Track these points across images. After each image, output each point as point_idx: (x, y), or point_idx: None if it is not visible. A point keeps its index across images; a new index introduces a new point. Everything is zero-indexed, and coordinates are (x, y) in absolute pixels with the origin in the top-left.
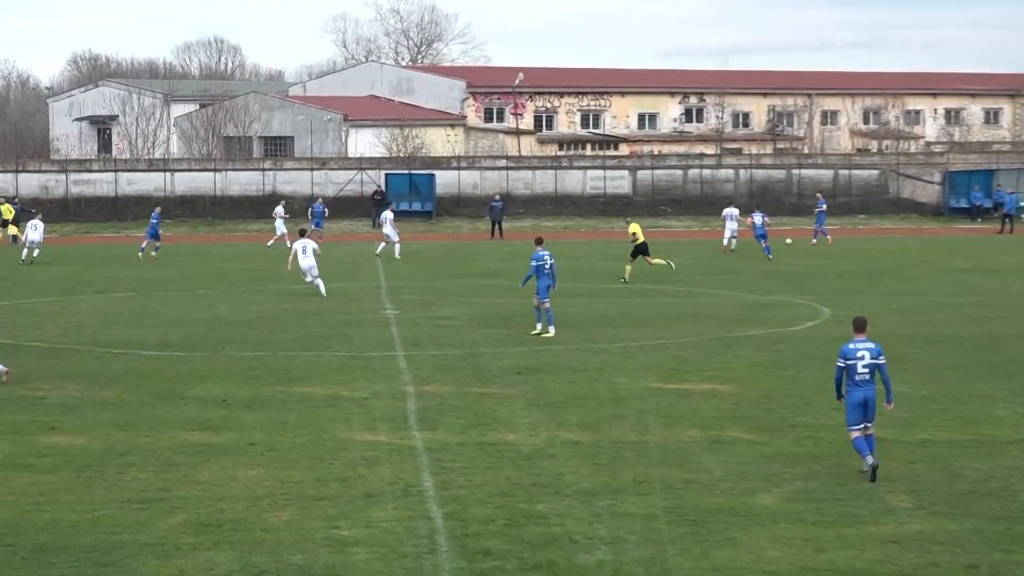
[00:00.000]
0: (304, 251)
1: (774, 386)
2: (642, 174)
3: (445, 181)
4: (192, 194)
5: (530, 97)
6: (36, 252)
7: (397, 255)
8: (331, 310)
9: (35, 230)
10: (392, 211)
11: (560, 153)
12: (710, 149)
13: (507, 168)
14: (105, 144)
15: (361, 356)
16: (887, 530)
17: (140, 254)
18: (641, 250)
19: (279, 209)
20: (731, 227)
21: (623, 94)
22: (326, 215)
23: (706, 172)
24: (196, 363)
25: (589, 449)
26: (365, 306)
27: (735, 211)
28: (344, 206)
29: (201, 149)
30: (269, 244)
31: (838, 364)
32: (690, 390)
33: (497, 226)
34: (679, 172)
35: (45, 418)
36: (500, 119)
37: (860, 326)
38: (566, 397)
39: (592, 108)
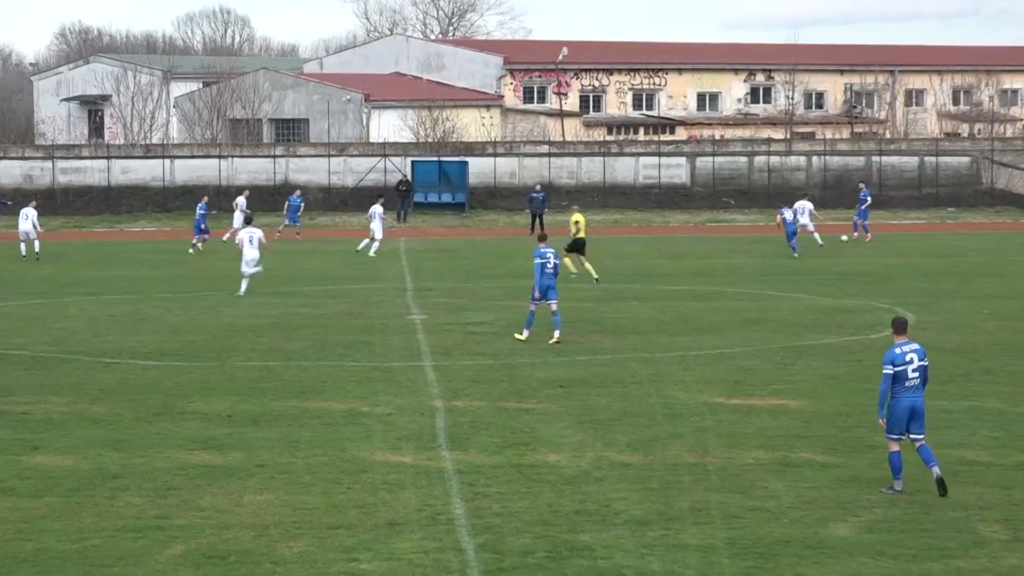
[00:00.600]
0: (251, 241)
1: (851, 402)
2: (702, 162)
3: (479, 169)
4: (194, 183)
5: (575, 75)
6: (36, 246)
7: (372, 253)
8: (351, 315)
9: (26, 219)
10: (382, 205)
11: (609, 138)
12: (779, 134)
13: (549, 155)
14: (96, 128)
15: (384, 367)
16: (979, 565)
17: (191, 250)
18: (578, 247)
19: (240, 200)
20: (803, 223)
21: (680, 71)
22: (301, 210)
23: (774, 159)
24: (198, 374)
25: (641, 472)
26: (388, 311)
27: (809, 205)
28: (365, 197)
29: (204, 133)
30: (225, 238)
31: (885, 373)
32: (755, 406)
33: (538, 220)
34: (743, 159)
35: (28, 436)
36: (542, 99)
37: (901, 327)
38: (615, 413)
39: (645, 87)
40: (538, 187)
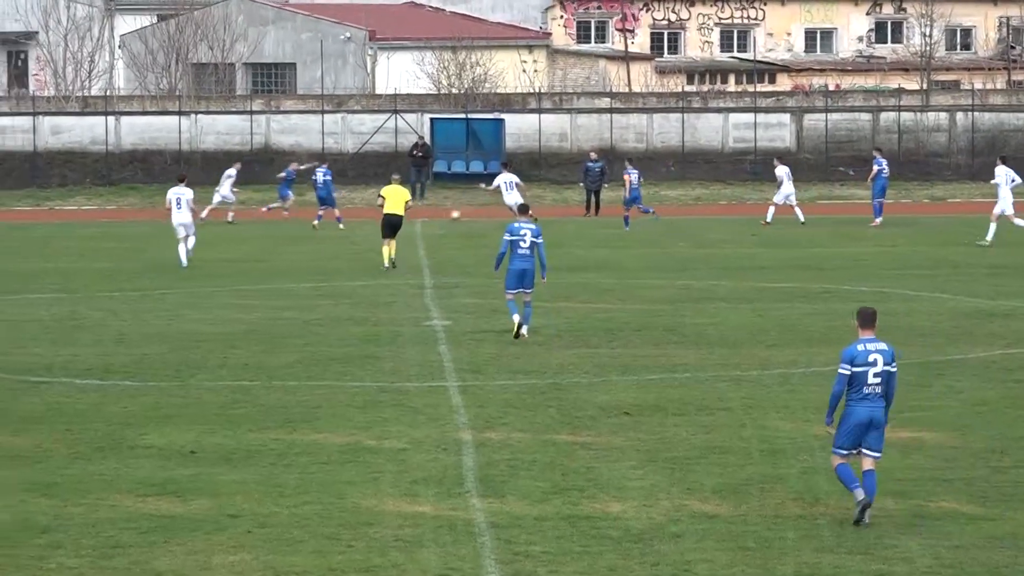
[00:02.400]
0: (178, 204)
1: (1007, 435)
2: (811, 119)
3: (519, 129)
4: (147, 148)
5: (645, 6)
6: None
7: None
8: (351, 320)
9: None
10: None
11: (690, 88)
12: (912, 83)
13: (611, 110)
14: (18, 75)
15: (395, 388)
16: None
17: (315, 222)
18: (394, 226)
19: (231, 171)
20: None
21: (783, 1)
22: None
23: (906, 117)
24: (152, 397)
25: (731, 526)
26: (401, 314)
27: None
28: (370, 166)
29: (160, 83)
30: (231, 218)
31: (840, 372)
32: None
33: (594, 197)
34: (866, 116)
35: None
36: (601, 38)
37: (868, 320)
38: (697, 449)
39: (737, 23)
40: (594, 155)
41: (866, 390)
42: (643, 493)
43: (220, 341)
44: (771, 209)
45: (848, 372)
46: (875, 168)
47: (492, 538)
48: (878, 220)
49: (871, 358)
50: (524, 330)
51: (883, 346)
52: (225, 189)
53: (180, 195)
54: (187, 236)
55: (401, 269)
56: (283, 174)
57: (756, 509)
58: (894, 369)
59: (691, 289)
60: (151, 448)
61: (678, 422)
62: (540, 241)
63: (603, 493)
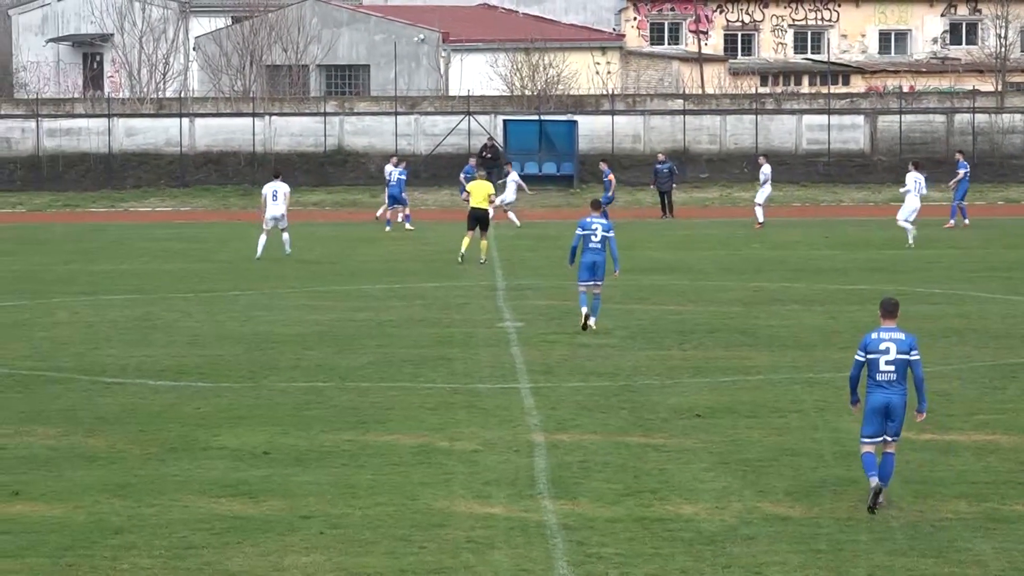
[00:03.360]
0: (274, 196)
1: None
2: (885, 121)
3: (592, 131)
4: (220, 150)
5: (719, 7)
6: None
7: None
8: (424, 322)
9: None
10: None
11: (763, 90)
12: (987, 84)
13: (684, 112)
14: (94, 77)
15: (467, 389)
16: None
17: (388, 228)
18: (479, 220)
19: (390, 168)
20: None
21: (857, 2)
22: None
23: (981, 118)
24: (226, 398)
25: (804, 528)
26: (474, 316)
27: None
28: (442, 167)
29: (234, 84)
30: (406, 221)
31: (856, 358)
32: (955, 443)
33: (666, 198)
34: (940, 118)
35: (4, 478)
36: (674, 40)
37: (889, 310)
38: (770, 452)
39: (811, 24)
40: (662, 156)
41: (880, 377)
42: (715, 495)
43: (293, 342)
44: (758, 210)
45: (863, 359)
46: (960, 172)
47: (564, 540)
48: (952, 222)
49: (883, 346)
50: (592, 321)
51: (900, 335)
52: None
53: (276, 189)
54: (280, 229)
55: (474, 271)
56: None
57: (829, 512)
58: (915, 357)
59: (764, 291)
60: (224, 449)
61: (750, 424)
62: (611, 235)
63: (675, 495)
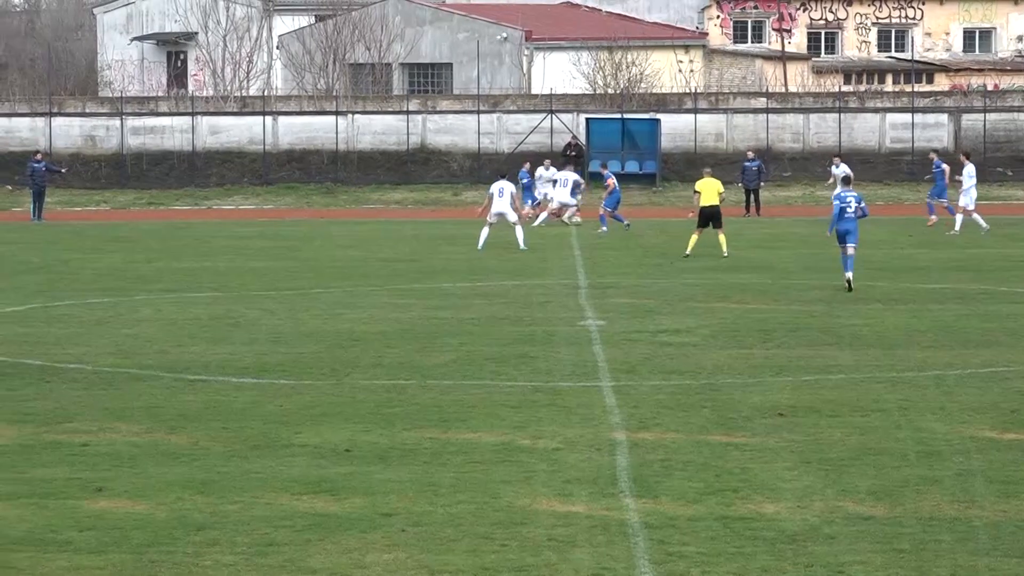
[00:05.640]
0: (500, 193)
1: None
2: (969, 119)
3: (675, 129)
4: (304, 148)
5: (802, 5)
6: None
7: (522, 245)
8: (506, 320)
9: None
10: (509, 180)
11: (847, 88)
12: None
13: (767, 110)
14: (178, 75)
15: (548, 387)
16: None
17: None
18: (713, 217)
19: (544, 171)
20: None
21: (941, 1)
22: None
23: None
24: (308, 396)
25: (886, 528)
26: (555, 314)
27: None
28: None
29: (317, 83)
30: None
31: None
32: None
33: (753, 196)
34: None
35: (89, 474)
36: (758, 38)
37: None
38: (852, 451)
39: (895, 22)
40: (751, 154)
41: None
42: (797, 494)
43: (375, 340)
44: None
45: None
46: (935, 168)
47: (645, 538)
48: (933, 218)
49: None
50: (849, 275)
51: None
52: (555, 191)
53: (503, 187)
54: (512, 224)
55: (555, 269)
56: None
57: (911, 511)
58: (861, 204)
59: (843, 291)
60: (306, 446)
61: (833, 423)
62: (863, 206)
63: (757, 494)
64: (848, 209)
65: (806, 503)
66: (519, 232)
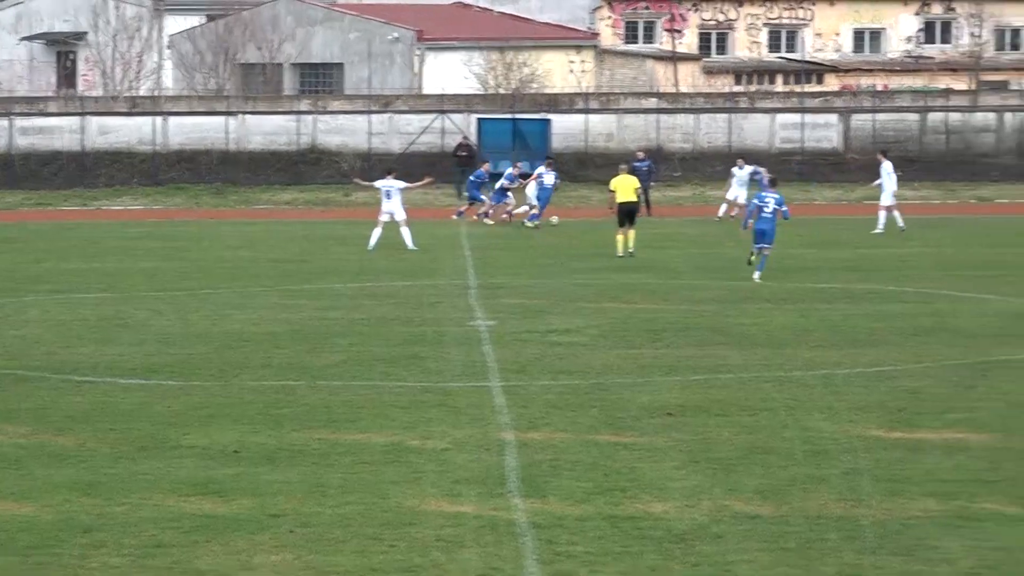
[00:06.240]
0: (388, 195)
1: None
2: (859, 120)
3: (566, 129)
4: (194, 148)
5: (694, 6)
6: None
7: (411, 245)
8: (396, 320)
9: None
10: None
11: (737, 88)
12: (961, 83)
13: (658, 111)
14: (67, 75)
15: (438, 388)
16: None
17: (530, 222)
18: (630, 213)
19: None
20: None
21: (832, 1)
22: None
23: (955, 117)
24: (196, 397)
25: (773, 527)
26: (446, 314)
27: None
28: (416, 166)
29: (208, 83)
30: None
31: (754, 203)
32: (925, 440)
33: (643, 196)
34: (914, 117)
35: None
36: (649, 38)
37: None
38: (740, 450)
39: (786, 22)
40: (641, 154)
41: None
42: (685, 493)
43: (265, 341)
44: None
45: (757, 204)
46: (756, 176)
47: (534, 538)
48: (720, 211)
49: (767, 200)
50: (757, 276)
51: (776, 195)
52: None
53: (390, 187)
54: (398, 224)
55: (445, 270)
56: (473, 177)
57: (798, 510)
58: (782, 208)
59: (735, 290)
60: (194, 448)
61: (721, 423)
62: (784, 208)
63: (645, 493)
64: (766, 209)
65: (694, 502)
66: (406, 233)
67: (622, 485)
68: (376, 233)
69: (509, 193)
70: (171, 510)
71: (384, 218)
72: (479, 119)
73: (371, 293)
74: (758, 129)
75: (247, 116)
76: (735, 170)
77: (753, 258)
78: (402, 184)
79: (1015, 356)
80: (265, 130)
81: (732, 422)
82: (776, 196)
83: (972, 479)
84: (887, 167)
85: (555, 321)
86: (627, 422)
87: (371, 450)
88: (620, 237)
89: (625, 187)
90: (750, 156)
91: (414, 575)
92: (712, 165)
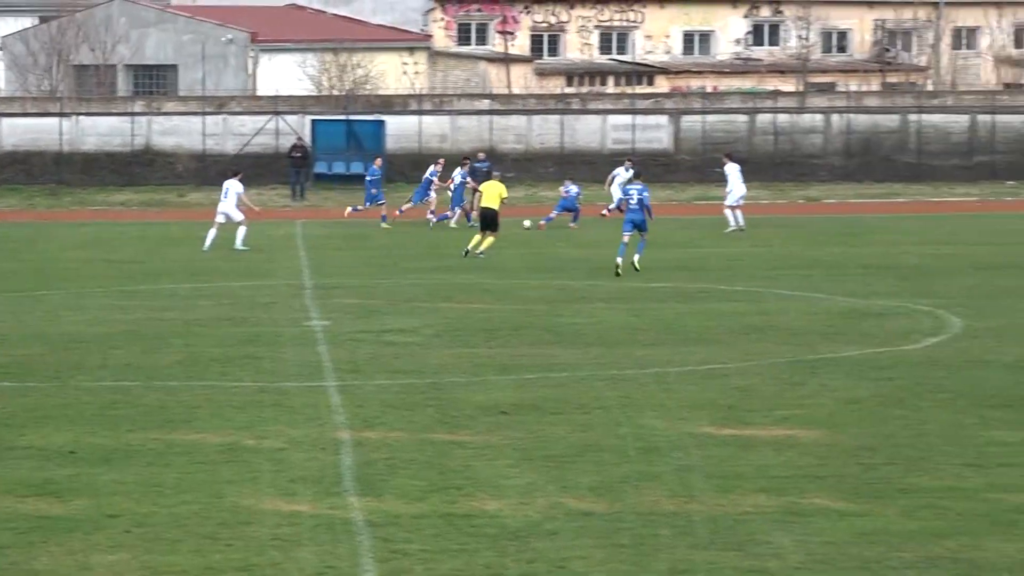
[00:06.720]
0: (224, 194)
1: (878, 432)
2: (688, 121)
3: (400, 131)
4: (27, 150)
5: (526, 8)
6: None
7: (240, 245)
8: (231, 321)
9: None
10: (240, 181)
11: (569, 90)
12: (789, 85)
13: (491, 112)
14: None
15: (274, 388)
16: None
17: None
18: (487, 219)
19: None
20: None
21: (662, 4)
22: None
23: (783, 118)
24: (32, 398)
25: (606, 524)
26: (281, 315)
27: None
28: (251, 167)
29: (41, 84)
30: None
31: (621, 197)
32: (756, 437)
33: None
34: (743, 118)
35: None
36: (481, 40)
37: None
38: (573, 447)
39: (616, 25)
40: (482, 155)
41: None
42: (520, 491)
43: (100, 342)
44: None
45: (624, 197)
46: (565, 191)
47: (369, 536)
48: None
49: (631, 193)
50: (621, 263)
51: (640, 186)
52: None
53: (228, 187)
54: (229, 224)
55: (281, 271)
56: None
57: (631, 506)
58: (644, 197)
59: (569, 289)
60: (30, 448)
61: (555, 421)
62: (646, 195)
63: (480, 491)
64: (631, 201)
65: (528, 500)
66: (240, 232)
67: (457, 483)
68: (211, 234)
69: (432, 192)
70: (7, 511)
71: (220, 219)
72: (313, 120)
73: (207, 294)
74: (590, 130)
75: (81, 117)
76: (620, 170)
77: (621, 261)
78: (239, 189)
79: (842, 353)
80: (99, 131)
81: (566, 420)
82: (639, 187)
83: (801, 475)
84: (733, 168)
85: (390, 321)
86: (462, 421)
87: (207, 450)
88: (477, 237)
89: (490, 193)
90: (583, 156)
91: (251, 574)
92: (544, 166)
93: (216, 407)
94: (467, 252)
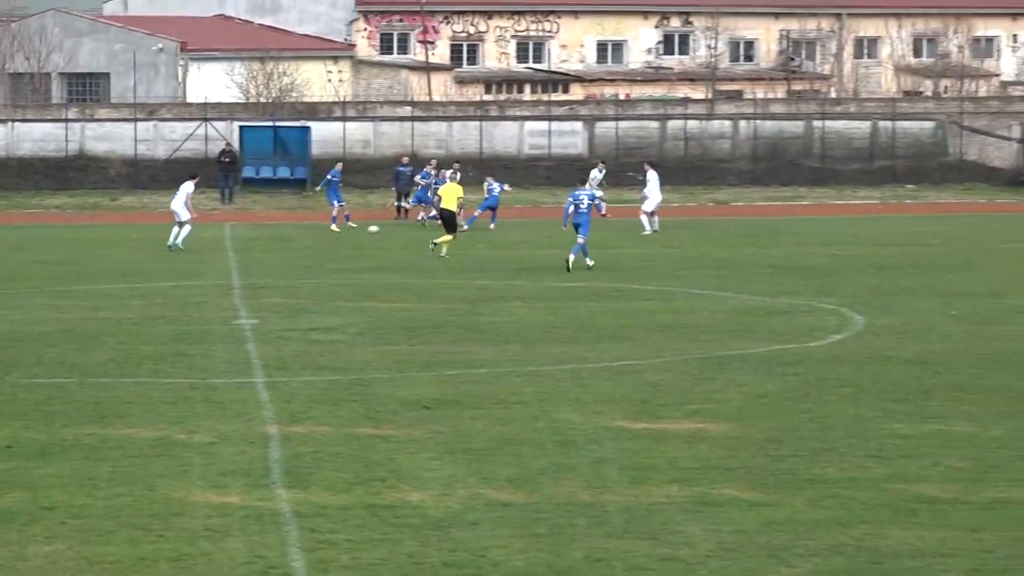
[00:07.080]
0: (175, 195)
1: (785, 425)
2: (602, 127)
3: (325, 137)
4: None
5: (445, 19)
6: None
7: (175, 242)
8: (163, 320)
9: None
10: (195, 184)
11: (487, 97)
12: (698, 93)
13: (412, 118)
14: None
15: (204, 384)
16: None
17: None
18: (445, 220)
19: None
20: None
21: (576, 14)
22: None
23: (692, 124)
24: None
25: (524, 514)
26: (210, 314)
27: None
28: (181, 172)
29: None
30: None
31: (568, 202)
32: (668, 431)
33: (404, 199)
34: (654, 124)
35: None
36: (403, 50)
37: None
38: (493, 441)
39: (533, 34)
40: (405, 159)
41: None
42: (441, 483)
43: (36, 340)
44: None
45: (572, 203)
46: (491, 189)
47: (297, 527)
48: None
49: (580, 198)
50: (572, 260)
51: (588, 191)
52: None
53: (181, 188)
54: (179, 223)
55: (210, 271)
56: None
57: (549, 497)
58: (595, 201)
59: (488, 289)
60: None
61: (475, 415)
62: (592, 203)
63: (403, 483)
64: (581, 206)
65: (450, 491)
66: (183, 232)
67: (381, 475)
68: (174, 231)
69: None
70: None
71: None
72: (241, 127)
73: (139, 293)
74: (508, 136)
75: (16, 124)
76: (595, 172)
77: (572, 257)
78: (189, 190)
79: (750, 350)
80: (34, 137)
81: (485, 414)
82: (589, 192)
83: (712, 466)
84: (653, 176)
85: (316, 319)
86: (385, 415)
87: (140, 444)
88: (447, 237)
89: (449, 195)
90: (501, 161)
91: (182, 564)
92: (464, 171)
93: (148, 403)
94: (434, 245)
